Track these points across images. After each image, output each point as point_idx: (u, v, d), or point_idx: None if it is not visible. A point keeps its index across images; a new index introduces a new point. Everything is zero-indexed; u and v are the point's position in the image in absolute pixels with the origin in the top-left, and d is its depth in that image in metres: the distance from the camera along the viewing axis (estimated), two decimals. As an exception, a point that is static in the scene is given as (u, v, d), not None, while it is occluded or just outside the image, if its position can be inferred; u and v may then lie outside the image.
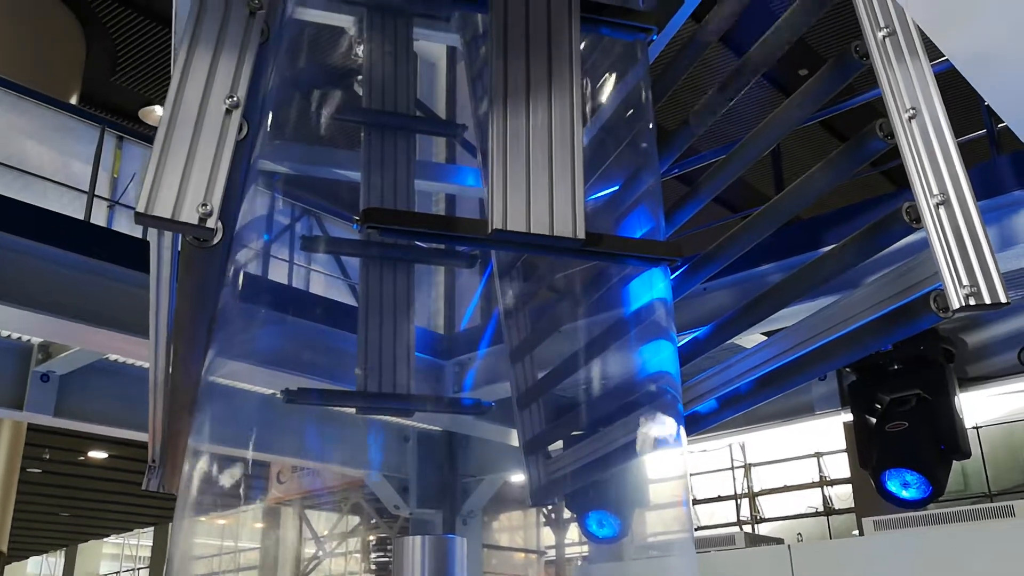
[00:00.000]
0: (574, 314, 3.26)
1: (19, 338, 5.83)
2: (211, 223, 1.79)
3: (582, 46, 2.39)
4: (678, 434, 2.49)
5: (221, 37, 1.96)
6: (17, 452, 10.93)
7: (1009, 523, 5.70)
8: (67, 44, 11.05)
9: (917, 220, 2.12)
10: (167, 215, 1.77)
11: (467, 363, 6.16)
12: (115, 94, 12.41)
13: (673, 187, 4.43)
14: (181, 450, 2.60)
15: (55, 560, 26.77)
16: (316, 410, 6.38)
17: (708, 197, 3.08)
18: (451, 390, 6.17)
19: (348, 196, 3.48)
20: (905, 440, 5.36)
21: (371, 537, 13.80)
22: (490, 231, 2.04)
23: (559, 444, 3.34)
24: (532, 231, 2.05)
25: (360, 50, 3.31)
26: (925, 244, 2.08)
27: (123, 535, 24.10)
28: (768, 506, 16.02)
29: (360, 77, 3.24)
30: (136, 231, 5.70)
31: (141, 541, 25.53)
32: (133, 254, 4.97)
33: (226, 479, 2.95)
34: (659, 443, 2.59)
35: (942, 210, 2.07)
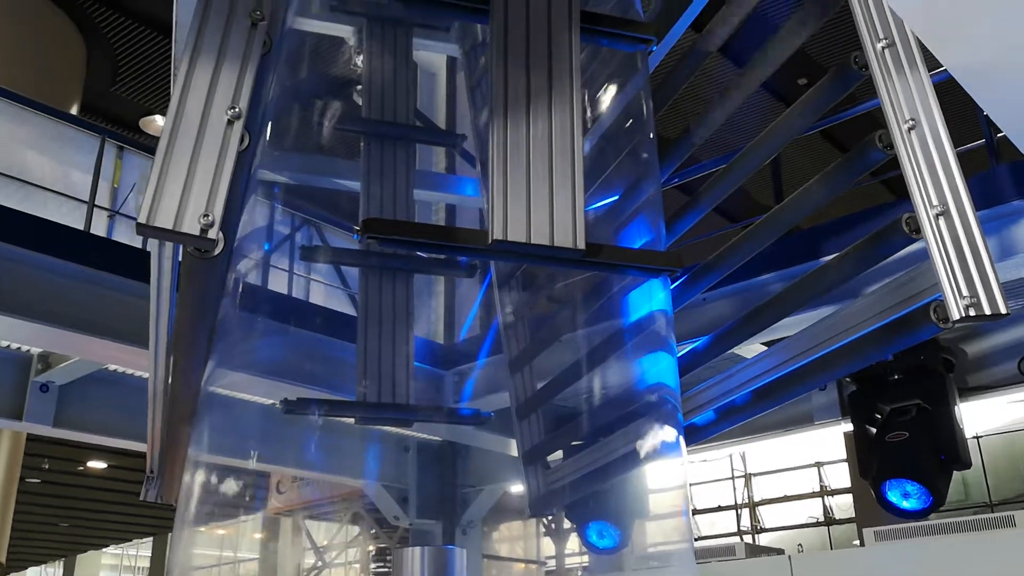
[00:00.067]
0: (574, 324, 3.26)
1: (18, 348, 5.82)
2: (213, 234, 1.79)
3: (582, 56, 2.40)
4: (678, 444, 2.49)
5: (223, 48, 1.96)
6: (16, 462, 10.91)
7: (1010, 533, 5.69)
8: (67, 54, 11.06)
9: (917, 231, 2.13)
10: (169, 226, 1.77)
11: (467, 373, 6.15)
12: (115, 104, 12.43)
13: (674, 196, 4.44)
14: (180, 460, 2.59)
15: (54, 570, 26.71)
16: (316, 420, 6.37)
17: (709, 207, 3.09)
18: (451, 400, 6.15)
19: (348, 206, 3.49)
20: (905, 450, 5.35)
21: (371, 547, 13.76)
22: (490, 241, 2.03)
23: (559, 454, 3.33)
24: (532, 241, 2.04)
25: (360, 60, 3.32)
26: (925, 254, 2.08)
27: (122, 545, 24.02)
28: (768, 516, 15.97)
29: (360, 87, 3.25)
30: (136, 241, 5.71)
31: (140, 551, 25.47)
32: (133, 264, 4.96)
33: (225, 489, 2.94)
34: (659, 453, 2.58)
35: (942, 221, 2.08)
